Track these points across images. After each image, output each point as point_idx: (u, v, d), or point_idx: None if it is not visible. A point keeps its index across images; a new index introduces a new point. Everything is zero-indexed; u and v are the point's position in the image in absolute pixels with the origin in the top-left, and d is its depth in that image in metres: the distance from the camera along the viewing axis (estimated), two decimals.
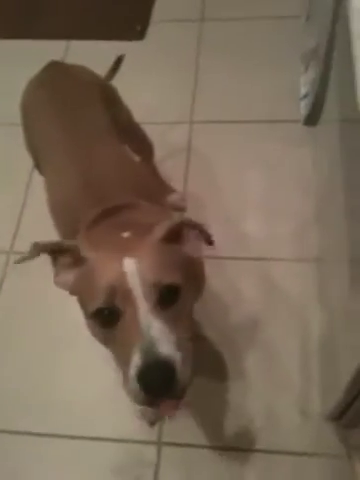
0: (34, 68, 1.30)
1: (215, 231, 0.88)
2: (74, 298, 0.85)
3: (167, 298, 0.76)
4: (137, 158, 1.54)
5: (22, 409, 1.43)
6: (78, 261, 0.83)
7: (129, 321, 0.74)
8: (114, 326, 0.76)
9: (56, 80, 1.26)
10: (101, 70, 1.43)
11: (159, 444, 1.33)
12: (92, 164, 1.09)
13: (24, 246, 1.73)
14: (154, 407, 0.79)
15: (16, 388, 1.46)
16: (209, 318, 1.45)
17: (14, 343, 1.55)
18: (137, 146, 1.50)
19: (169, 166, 1.79)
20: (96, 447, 1.34)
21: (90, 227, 0.98)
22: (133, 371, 0.72)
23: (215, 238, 0.88)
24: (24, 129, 1.27)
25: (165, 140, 1.84)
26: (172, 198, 1.69)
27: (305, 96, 1.49)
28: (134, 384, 0.72)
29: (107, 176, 1.07)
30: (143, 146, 1.55)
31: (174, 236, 0.84)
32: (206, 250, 0.90)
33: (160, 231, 0.82)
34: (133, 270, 0.75)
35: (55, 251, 0.86)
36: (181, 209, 1.67)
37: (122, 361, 0.76)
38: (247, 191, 1.74)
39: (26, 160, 1.35)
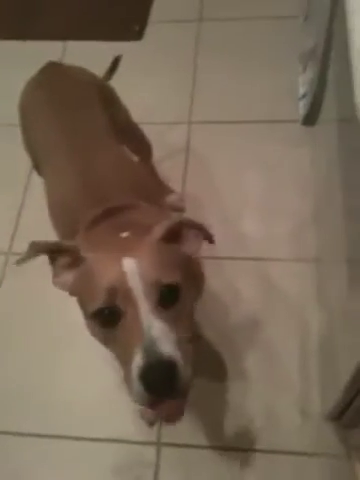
0: (32, 69, 1.30)
1: (214, 231, 0.88)
2: (73, 298, 0.85)
3: (167, 297, 0.76)
4: (135, 158, 1.54)
5: (22, 410, 1.43)
6: (77, 261, 0.83)
7: (130, 321, 0.74)
8: (115, 326, 0.76)
9: (54, 81, 1.26)
10: (99, 71, 1.43)
11: (158, 445, 1.33)
12: (91, 165, 1.09)
13: (23, 247, 1.73)
14: (156, 409, 0.79)
15: (16, 389, 1.46)
16: (208, 318, 1.45)
17: (13, 344, 1.55)
18: (135, 146, 1.50)
19: (167, 166, 1.79)
20: (96, 448, 1.34)
21: (89, 228, 0.98)
22: (135, 371, 0.72)
23: (214, 238, 0.89)
24: (22, 130, 1.27)
25: (163, 140, 1.84)
26: (171, 198, 1.69)
27: (303, 96, 1.49)
28: (136, 384, 0.72)
29: (106, 177, 1.07)
30: (141, 146, 1.55)
31: (173, 236, 0.84)
32: (205, 250, 0.90)
33: (159, 231, 0.82)
34: (133, 270, 0.75)
35: (54, 251, 0.86)
36: (180, 209, 1.67)
37: (123, 361, 0.76)
38: (245, 191, 1.74)
39: (24, 161, 1.35)
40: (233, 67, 2.05)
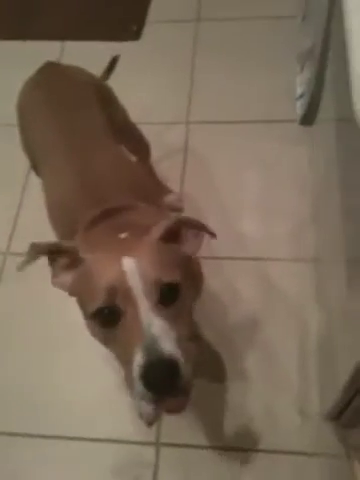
0: (29, 69, 1.30)
1: (212, 229, 0.88)
2: (73, 299, 0.85)
3: (167, 296, 0.76)
4: (134, 158, 1.54)
5: (21, 410, 1.43)
6: (76, 262, 0.83)
7: (130, 320, 0.74)
8: (115, 326, 0.76)
9: (52, 81, 1.26)
10: (97, 71, 1.43)
11: (157, 445, 1.33)
12: (89, 165, 1.09)
13: (21, 247, 1.72)
14: (158, 406, 0.81)
15: (15, 389, 1.46)
16: (207, 318, 1.45)
17: (12, 344, 1.54)
18: (134, 146, 1.50)
19: (166, 166, 1.79)
20: (95, 448, 1.34)
21: (88, 228, 0.98)
22: (136, 369, 0.72)
23: (215, 232, 0.88)
24: (20, 130, 1.27)
25: (161, 140, 1.84)
26: (169, 199, 1.69)
27: (301, 96, 1.49)
28: (138, 382, 0.72)
29: (104, 177, 1.07)
30: (140, 146, 1.55)
31: (172, 235, 0.84)
32: (204, 250, 0.90)
33: (158, 231, 0.82)
34: (133, 269, 0.75)
35: (53, 252, 0.86)
36: (178, 209, 1.67)
37: (123, 360, 0.76)
38: (244, 191, 1.74)
39: (22, 161, 1.35)
40: (231, 67, 2.05)
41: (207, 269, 1.10)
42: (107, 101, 1.30)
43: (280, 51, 1.98)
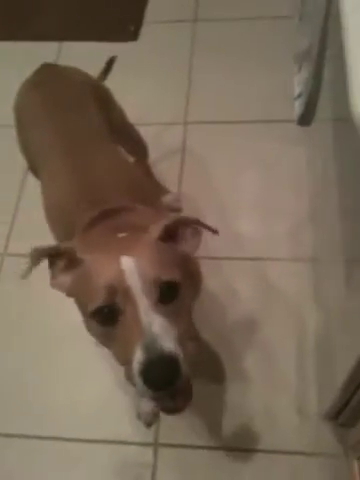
0: (26, 70, 1.30)
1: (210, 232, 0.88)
2: (71, 299, 0.85)
3: (167, 294, 0.76)
4: (131, 159, 1.54)
5: (18, 412, 1.43)
6: (74, 263, 0.83)
7: (130, 319, 0.74)
8: (114, 324, 0.76)
9: (49, 82, 1.25)
10: (94, 71, 1.43)
11: (156, 445, 1.33)
12: (87, 166, 1.09)
13: (18, 248, 1.72)
14: (158, 403, 0.81)
15: (12, 390, 1.46)
16: (206, 318, 1.45)
17: (10, 345, 1.54)
18: (131, 147, 1.50)
19: (164, 167, 1.79)
20: (93, 449, 1.34)
21: (86, 230, 0.98)
22: (136, 367, 0.72)
23: (210, 238, 0.88)
24: (18, 132, 1.27)
25: (159, 141, 1.84)
26: (167, 199, 1.69)
27: (299, 96, 1.49)
28: (138, 379, 0.73)
29: (102, 178, 1.07)
30: (137, 147, 1.55)
31: (170, 235, 0.84)
32: (202, 250, 0.90)
33: (157, 230, 0.83)
34: (131, 268, 0.75)
35: (53, 255, 0.86)
36: (176, 210, 1.67)
37: (123, 359, 0.76)
38: (242, 191, 1.74)
39: (20, 162, 1.35)
40: (229, 67, 2.05)
41: (205, 269, 1.10)
42: (104, 102, 1.29)
43: (278, 51, 1.98)
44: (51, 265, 0.87)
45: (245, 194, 1.73)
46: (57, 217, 1.10)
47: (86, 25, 2.34)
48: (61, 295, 0.86)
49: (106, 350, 0.82)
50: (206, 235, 0.87)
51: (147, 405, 1.34)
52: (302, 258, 1.56)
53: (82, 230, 0.98)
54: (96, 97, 1.25)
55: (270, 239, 1.62)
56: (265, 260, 1.59)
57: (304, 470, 1.25)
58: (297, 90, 1.57)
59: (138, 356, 0.72)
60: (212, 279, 1.49)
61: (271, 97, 1.91)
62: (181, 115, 1.96)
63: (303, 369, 1.38)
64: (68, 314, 0.93)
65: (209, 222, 0.86)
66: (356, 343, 0.89)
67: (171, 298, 0.77)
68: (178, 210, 1.67)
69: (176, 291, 0.77)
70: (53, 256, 0.86)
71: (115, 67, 1.53)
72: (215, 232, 0.87)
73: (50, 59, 2.11)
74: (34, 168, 1.24)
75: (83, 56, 1.77)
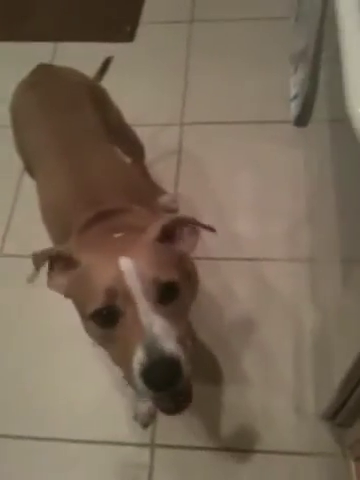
0: (22, 70, 1.29)
1: (207, 232, 0.88)
2: (69, 300, 0.85)
3: (166, 295, 0.76)
4: (128, 160, 1.54)
5: (16, 413, 1.42)
6: (71, 264, 0.83)
7: (130, 320, 0.74)
8: (113, 326, 0.75)
9: (45, 83, 1.25)
10: (90, 72, 1.43)
11: (152, 446, 1.33)
12: (83, 167, 1.08)
13: (14, 248, 1.72)
14: (158, 403, 0.81)
15: (11, 392, 1.45)
16: (203, 319, 1.45)
17: (8, 346, 1.54)
18: (128, 148, 1.49)
19: (160, 168, 1.79)
20: (90, 450, 1.34)
21: (82, 231, 0.97)
22: (137, 368, 0.72)
23: (207, 239, 0.89)
24: (14, 132, 1.27)
25: (155, 142, 1.84)
26: (163, 199, 1.69)
27: (295, 97, 1.49)
28: (139, 380, 0.73)
29: (98, 179, 1.06)
30: (134, 148, 1.55)
31: (168, 235, 0.84)
32: (199, 251, 0.90)
33: (154, 230, 0.82)
34: (130, 269, 0.75)
35: (53, 257, 0.85)
36: (173, 210, 1.67)
37: (123, 360, 0.76)
38: (239, 192, 1.74)
39: (16, 162, 1.34)
40: (225, 68, 2.06)
41: (202, 270, 1.10)
42: (101, 102, 1.29)
43: (274, 52, 1.99)
44: (50, 267, 0.87)
45: (242, 195, 1.73)
46: (53, 217, 1.10)
47: (82, 25, 2.33)
48: (59, 296, 0.86)
49: (103, 351, 0.82)
50: (203, 235, 0.87)
51: (144, 406, 1.34)
52: (299, 258, 1.56)
53: (78, 231, 0.98)
54: (92, 98, 1.25)
55: (267, 239, 1.62)
56: (262, 260, 1.59)
57: (302, 470, 1.25)
58: (293, 91, 1.58)
59: (139, 357, 0.72)
60: (209, 279, 1.48)
61: (268, 98, 1.91)
62: (177, 116, 1.96)
63: (300, 369, 1.38)
64: (65, 315, 0.93)
65: (205, 222, 0.87)
66: (353, 343, 0.89)
67: (171, 299, 0.77)
68: (174, 211, 1.67)
69: (175, 292, 0.77)
70: (53, 259, 0.85)
71: (111, 68, 1.53)
72: (212, 230, 0.87)
73: (46, 59, 2.11)
74: (30, 168, 1.24)
75: (79, 56, 1.77)
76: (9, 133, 1.28)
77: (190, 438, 1.32)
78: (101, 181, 1.06)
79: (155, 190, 1.69)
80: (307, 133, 1.61)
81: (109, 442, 1.34)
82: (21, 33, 2.34)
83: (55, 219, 1.08)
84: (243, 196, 1.73)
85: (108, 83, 1.47)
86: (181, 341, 0.75)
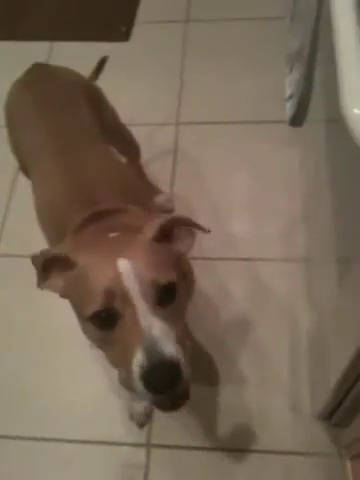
0: (17, 70, 1.29)
1: (202, 232, 0.88)
2: (66, 300, 0.84)
3: (165, 297, 0.75)
4: (123, 160, 1.53)
5: (12, 413, 1.42)
6: (67, 265, 0.82)
7: (129, 322, 0.73)
8: (112, 328, 0.75)
9: (40, 82, 1.25)
10: (85, 72, 1.42)
11: (148, 446, 1.32)
12: (78, 166, 1.08)
13: (9, 248, 1.71)
14: (157, 405, 0.82)
15: (8, 392, 1.45)
16: (199, 319, 1.45)
17: (6, 347, 1.53)
18: (123, 148, 1.49)
19: (156, 167, 1.79)
20: (86, 450, 1.34)
21: (77, 231, 0.97)
22: (137, 370, 0.72)
23: (203, 239, 0.88)
24: (9, 132, 1.26)
25: (151, 142, 1.84)
26: (159, 199, 1.69)
27: (290, 97, 1.49)
28: (138, 383, 0.72)
29: (94, 178, 1.06)
30: (130, 148, 1.54)
31: (165, 235, 0.84)
32: (195, 251, 0.90)
33: (151, 230, 0.82)
34: (128, 270, 0.74)
35: (51, 259, 0.85)
36: (169, 210, 1.67)
37: (121, 361, 0.76)
38: (234, 192, 1.74)
39: (11, 162, 1.34)
40: (220, 68, 2.06)
41: (198, 270, 1.09)
42: (96, 102, 1.29)
43: (270, 52, 1.99)
44: (44, 268, 0.86)
45: (237, 194, 1.73)
46: (48, 217, 1.09)
47: (77, 25, 2.33)
48: (56, 296, 0.85)
49: (100, 352, 0.82)
50: (199, 235, 0.87)
51: (139, 406, 1.34)
52: (295, 258, 1.57)
53: (74, 231, 0.97)
54: (88, 97, 1.25)
55: (263, 239, 1.62)
56: (258, 260, 1.59)
57: (298, 470, 1.25)
58: (288, 91, 1.58)
59: (139, 360, 0.71)
60: (205, 280, 1.48)
61: (263, 98, 1.91)
62: (173, 115, 1.96)
63: (296, 369, 1.39)
64: (64, 315, 0.92)
65: (201, 222, 0.86)
66: (349, 343, 0.89)
67: (169, 301, 0.76)
68: (170, 210, 1.67)
69: (174, 293, 0.77)
70: (49, 260, 0.85)
71: (107, 67, 1.53)
72: (207, 232, 0.86)
73: (41, 59, 2.11)
74: (25, 168, 1.23)
75: (74, 56, 1.77)
76: (4, 133, 1.27)
77: (186, 438, 1.32)
78: (96, 181, 1.05)
79: (151, 190, 1.69)
80: (303, 133, 1.62)
81: (105, 442, 1.34)
82: (17, 32, 2.33)
83: (50, 219, 1.08)
84: (239, 196, 1.73)
85: (104, 83, 1.46)
86: (180, 342, 0.75)
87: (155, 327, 0.72)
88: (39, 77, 1.27)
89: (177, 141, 1.89)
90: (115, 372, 0.80)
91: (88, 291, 0.76)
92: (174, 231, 0.86)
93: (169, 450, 1.32)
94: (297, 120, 1.37)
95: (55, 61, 1.46)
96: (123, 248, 0.79)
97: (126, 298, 0.73)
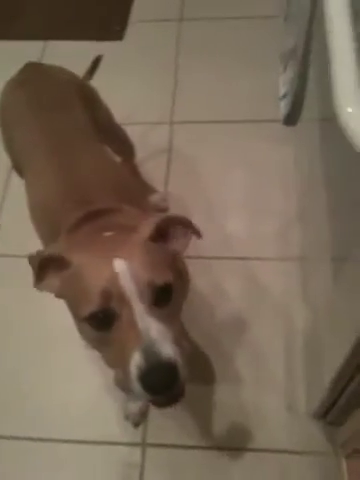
0: (11, 69, 1.28)
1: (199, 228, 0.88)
2: (62, 301, 0.84)
3: (161, 297, 0.75)
4: (118, 159, 1.53)
5: (8, 413, 1.41)
6: (62, 264, 0.81)
7: (126, 323, 0.73)
8: (109, 329, 0.75)
9: (34, 81, 1.24)
10: (79, 71, 1.42)
11: (143, 445, 1.32)
12: (72, 166, 1.07)
13: (4, 248, 1.70)
14: (154, 404, 0.82)
15: (6, 392, 1.44)
16: (194, 318, 1.45)
17: (1, 347, 1.52)
18: (118, 147, 1.49)
19: (150, 167, 1.79)
20: (81, 450, 1.33)
21: (71, 231, 0.96)
22: (134, 371, 0.72)
23: (201, 232, 0.88)
24: (2, 131, 1.25)
25: (145, 141, 1.83)
26: (154, 198, 1.69)
27: (284, 96, 1.49)
28: (136, 383, 0.72)
29: (88, 178, 1.05)
30: (124, 147, 1.54)
31: (161, 234, 0.84)
32: (190, 250, 0.90)
33: (147, 229, 0.81)
34: (125, 271, 0.74)
35: (47, 259, 0.84)
36: (163, 209, 1.67)
37: (118, 362, 0.75)
38: (230, 191, 1.74)
39: (4, 161, 1.33)
40: (215, 67, 2.06)
41: (193, 269, 1.09)
42: (90, 101, 1.29)
43: (264, 50, 1.99)
44: (40, 268, 0.86)
45: (233, 194, 1.73)
46: (42, 216, 1.09)
47: (71, 24, 2.32)
48: (53, 296, 0.85)
49: (96, 353, 0.81)
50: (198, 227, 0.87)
51: (134, 405, 1.34)
52: (290, 257, 1.57)
53: (68, 230, 0.97)
54: (82, 96, 1.24)
55: (258, 238, 1.62)
56: (253, 259, 1.59)
57: (294, 468, 1.26)
58: (282, 90, 1.58)
59: (136, 361, 0.71)
60: (200, 279, 1.48)
61: (258, 96, 1.91)
62: (167, 114, 1.96)
63: (292, 368, 1.39)
64: (59, 315, 0.92)
65: (196, 221, 0.86)
66: (344, 342, 0.89)
67: (166, 301, 0.76)
68: (165, 209, 1.67)
69: (170, 294, 0.77)
70: (44, 260, 0.84)
71: (101, 66, 1.53)
72: (199, 236, 0.87)
73: (35, 58, 2.10)
74: (18, 167, 1.23)
75: (68, 55, 1.76)
76: None
77: (181, 437, 1.32)
78: (90, 180, 1.05)
79: (145, 189, 1.69)
80: (298, 132, 1.62)
81: (101, 442, 1.34)
82: (10, 32, 2.32)
83: (44, 218, 1.07)
84: (234, 195, 1.73)
85: (98, 82, 1.46)
86: (177, 342, 0.75)
87: (152, 328, 0.72)
88: (33, 76, 1.26)
89: (171, 140, 1.89)
90: (111, 372, 0.80)
91: (84, 291, 0.75)
92: (170, 230, 0.86)
93: (164, 449, 1.32)
94: (291, 119, 1.38)
95: (49, 60, 1.46)
96: (119, 248, 0.78)
97: (123, 299, 0.73)
